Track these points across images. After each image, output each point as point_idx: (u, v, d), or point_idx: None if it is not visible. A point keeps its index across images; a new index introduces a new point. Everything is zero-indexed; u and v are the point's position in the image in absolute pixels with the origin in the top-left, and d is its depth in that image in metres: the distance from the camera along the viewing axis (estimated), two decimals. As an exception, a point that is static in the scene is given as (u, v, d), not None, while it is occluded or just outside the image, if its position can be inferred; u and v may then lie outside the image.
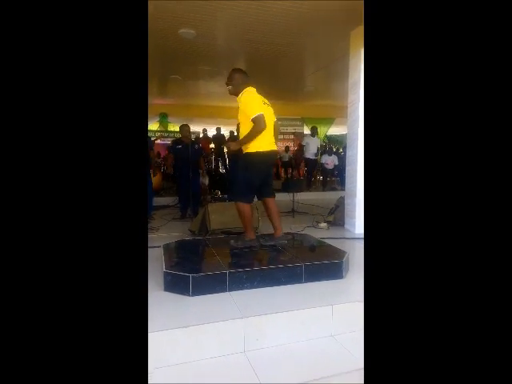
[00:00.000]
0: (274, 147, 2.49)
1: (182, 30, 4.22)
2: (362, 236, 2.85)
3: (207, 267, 2.13)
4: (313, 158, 7.90)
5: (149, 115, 5.14)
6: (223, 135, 9.08)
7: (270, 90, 6.59)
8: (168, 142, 9.78)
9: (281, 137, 12.01)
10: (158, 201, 5.09)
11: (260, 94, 2.49)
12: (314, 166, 8.26)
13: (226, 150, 7.84)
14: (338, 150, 11.02)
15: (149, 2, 3.30)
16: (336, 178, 8.84)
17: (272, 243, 2.56)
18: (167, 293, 1.97)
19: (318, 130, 12.33)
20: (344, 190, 4.15)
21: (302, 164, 8.98)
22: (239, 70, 2.54)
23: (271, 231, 2.64)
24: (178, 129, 10.24)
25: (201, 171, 4.65)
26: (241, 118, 2.45)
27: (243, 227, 2.55)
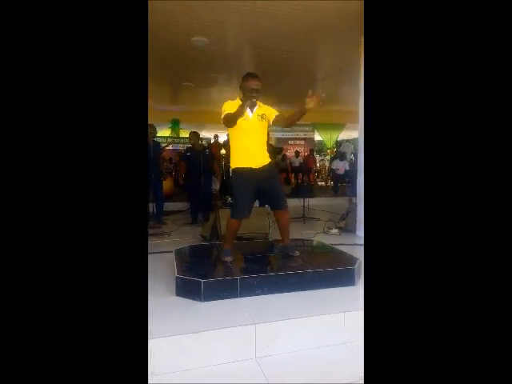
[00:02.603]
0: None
1: (194, 38, 4.29)
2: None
3: (219, 273, 2.14)
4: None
5: (161, 121, 5.20)
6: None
7: (280, 96, 6.63)
8: (180, 147, 9.90)
9: (291, 142, 12.03)
10: (169, 206, 5.14)
11: (270, 99, 2.42)
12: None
13: None
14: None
15: (161, 14, 3.38)
16: (347, 183, 8.76)
17: (285, 252, 2.50)
18: (179, 298, 1.98)
19: (329, 135, 12.27)
20: (355, 195, 4.12)
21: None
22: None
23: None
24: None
25: (215, 176, 4.64)
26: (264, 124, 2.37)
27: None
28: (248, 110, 2.26)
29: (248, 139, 2.31)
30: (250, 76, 2.26)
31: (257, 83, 2.23)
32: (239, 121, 2.23)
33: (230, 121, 2.20)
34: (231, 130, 2.33)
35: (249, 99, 2.14)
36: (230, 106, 2.25)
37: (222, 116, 2.28)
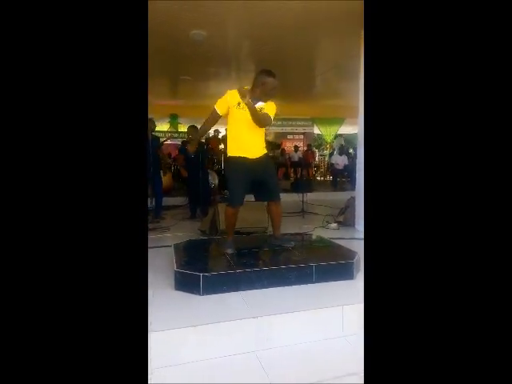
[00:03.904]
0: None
1: (193, 32, 4.25)
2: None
3: (217, 267, 2.14)
4: None
5: (159, 116, 5.17)
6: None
7: (279, 90, 6.59)
8: (179, 142, 9.86)
9: (290, 137, 12.01)
10: (168, 201, 5.13)
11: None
12: None
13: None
14: (347, 149, 10.92)
15: (159, 7, 3.34)
16: (346, 178, 8.76)
17: (278, 243, 2.54)
18: (178, 292, 1.98)
19: (327, 129, 12.26)
20: (354, 190, 4.12)
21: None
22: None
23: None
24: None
25: (213, 171, 4.63)
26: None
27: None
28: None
29: (244, 129, 2.35)
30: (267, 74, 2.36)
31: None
32: (237, 111, 2.31)
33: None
34: (229, 120, 2.38)
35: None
36: (220, 106, 2.35)
37: (212, 112, 2.40)
